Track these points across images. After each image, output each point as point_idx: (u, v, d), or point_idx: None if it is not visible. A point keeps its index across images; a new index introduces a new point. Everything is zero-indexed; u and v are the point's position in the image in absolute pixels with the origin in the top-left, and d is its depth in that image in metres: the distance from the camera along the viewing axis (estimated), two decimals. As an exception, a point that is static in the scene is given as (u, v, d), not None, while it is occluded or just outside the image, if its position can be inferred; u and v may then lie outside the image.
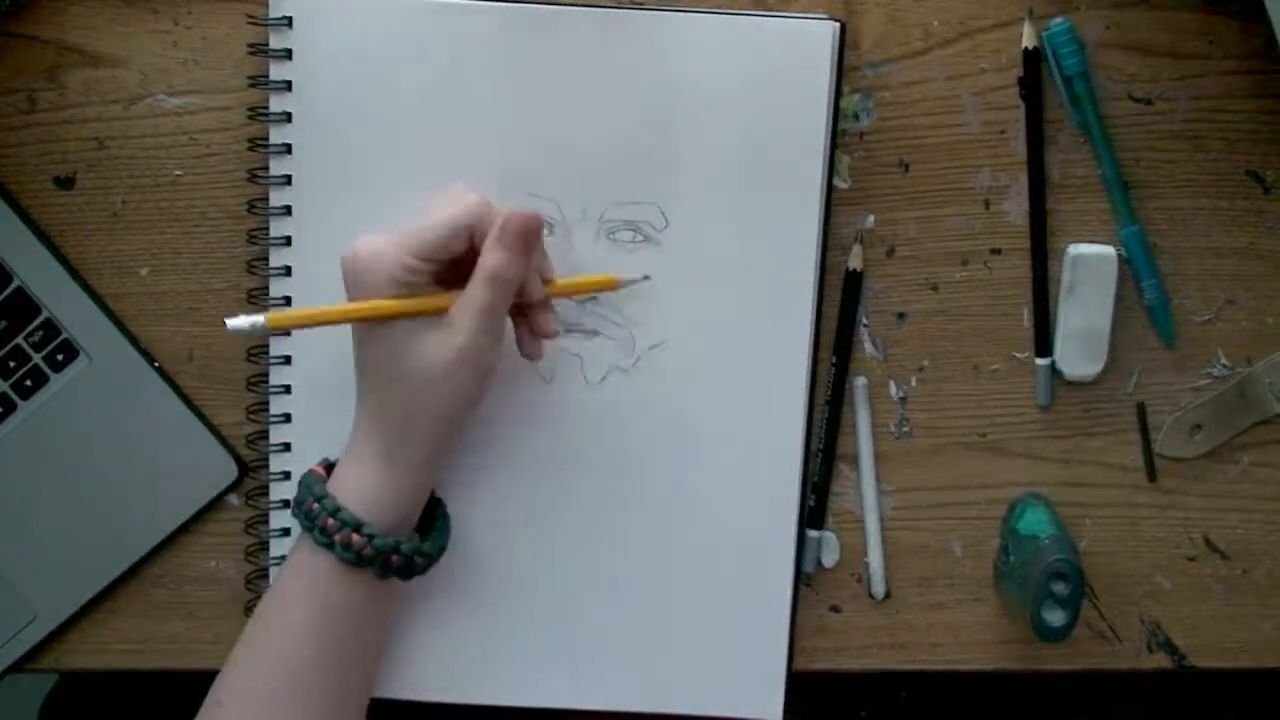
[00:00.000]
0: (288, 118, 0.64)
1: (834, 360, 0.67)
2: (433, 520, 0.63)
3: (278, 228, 0.64)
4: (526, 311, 0.61)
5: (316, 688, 0.59)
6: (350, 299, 0.58)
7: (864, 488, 0.68)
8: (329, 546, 0.57)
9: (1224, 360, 0.67)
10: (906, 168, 0.66)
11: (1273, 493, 0.68)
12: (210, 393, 0.67)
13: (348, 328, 0.59)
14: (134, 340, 0.66)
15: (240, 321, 0.54)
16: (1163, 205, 0.66)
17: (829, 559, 0.68)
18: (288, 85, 0.63)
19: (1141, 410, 0.68)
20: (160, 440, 0.66)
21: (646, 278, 0.64)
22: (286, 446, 0.66)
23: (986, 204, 0.66)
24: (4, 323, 0.65)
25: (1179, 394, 0.68)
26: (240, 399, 0.67)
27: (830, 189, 0.65)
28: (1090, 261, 0.65)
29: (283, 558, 0.66)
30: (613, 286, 0.63)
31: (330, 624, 0.59)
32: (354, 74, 0.63)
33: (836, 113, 0.64)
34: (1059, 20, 0.64)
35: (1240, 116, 0.66)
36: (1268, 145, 0.66)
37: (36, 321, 0.65)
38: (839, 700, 0.93)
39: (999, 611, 0.69)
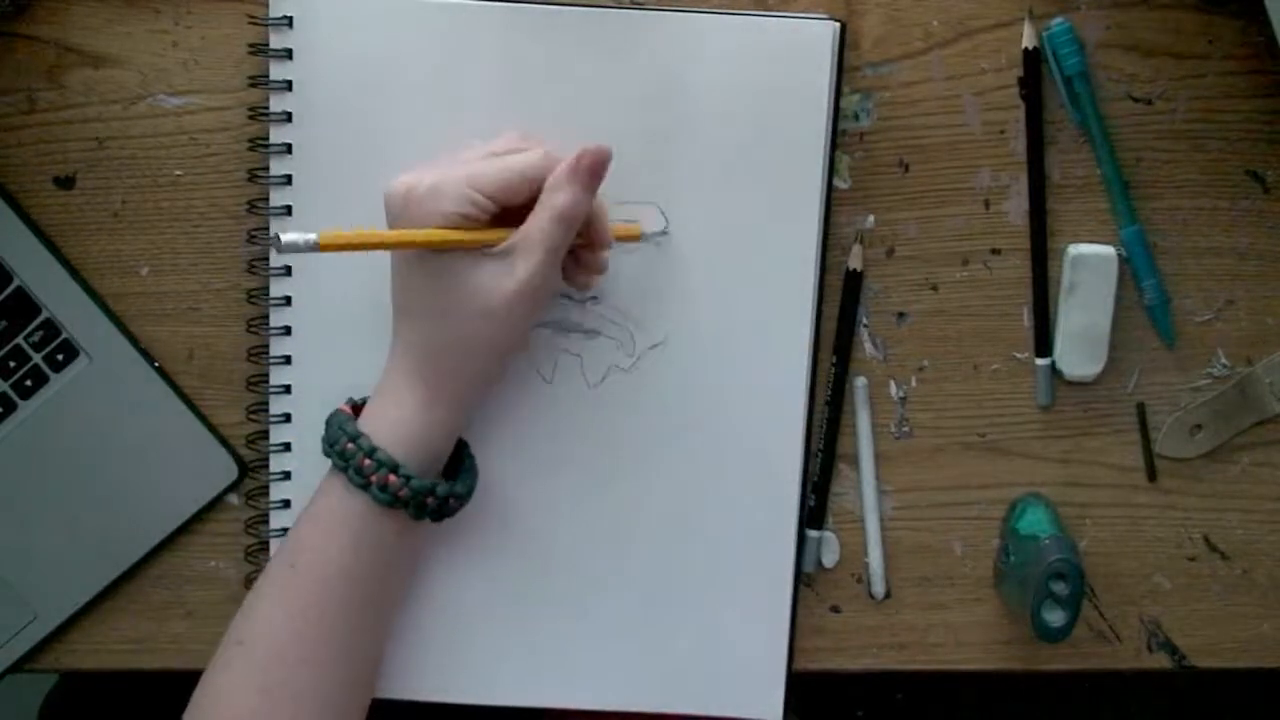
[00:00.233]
0: (288, 118, 0.64)
1: (834, 360, 0.67)
2: (460, 461, 0.63)
3: (278, 227, 0.64)
4: (578, 251, 0.61)
5: (341, 629, 0.59)
6: (395, 229, 0.57)
7: (864, 488, 0.68)
8: (364, 487, 0.57)
9: (1224, 360, 0.67)
10: (906, 168, 0.66)
11: (1273, 493, 0.68)
12: (210, 393, 0.67)
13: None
14: (134, 340, 0.66)
15: (293, 236, 0.53)
16: (1163, 205, 0.66)
17: (829, 559, 0.68)
18: (288, 85, 0.63)
19: (1141, 410, 0.68)
20: (160, 440, 0.66)
21: (665, 232, 0.63)
22: (286, 446, 0.66)
23: (986, 204, 0.66)
24: (4, 323, 0.65)
25: (1179, 394, 0.68)
26: (240, 399, 0.67)
27: (830, 189, 0.65)
28: (1090, 261, 0.65)
29: (283, 558, 0.66)
30: (635, 236, 0.63)
31: (360, 565, 0.59)
32: (354, 74, 0.63)
33: (836, 113, 0.64)
34: (1059, 20, 0.64)
35: (1240, 116, 0.66)
36: (1268, 145, 0.66)
37: (36, 321, 0.65)
38: (837, 700, 0.93)
39: (999, 611, 0.69)
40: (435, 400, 0.59)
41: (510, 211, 0.58)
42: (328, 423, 0.60)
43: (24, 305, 0.65)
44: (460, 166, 0.58)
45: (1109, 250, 0.65)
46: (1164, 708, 0.93)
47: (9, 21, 0.64)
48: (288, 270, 0.65)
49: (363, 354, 0.64)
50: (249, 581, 0.67)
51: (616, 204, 0.63)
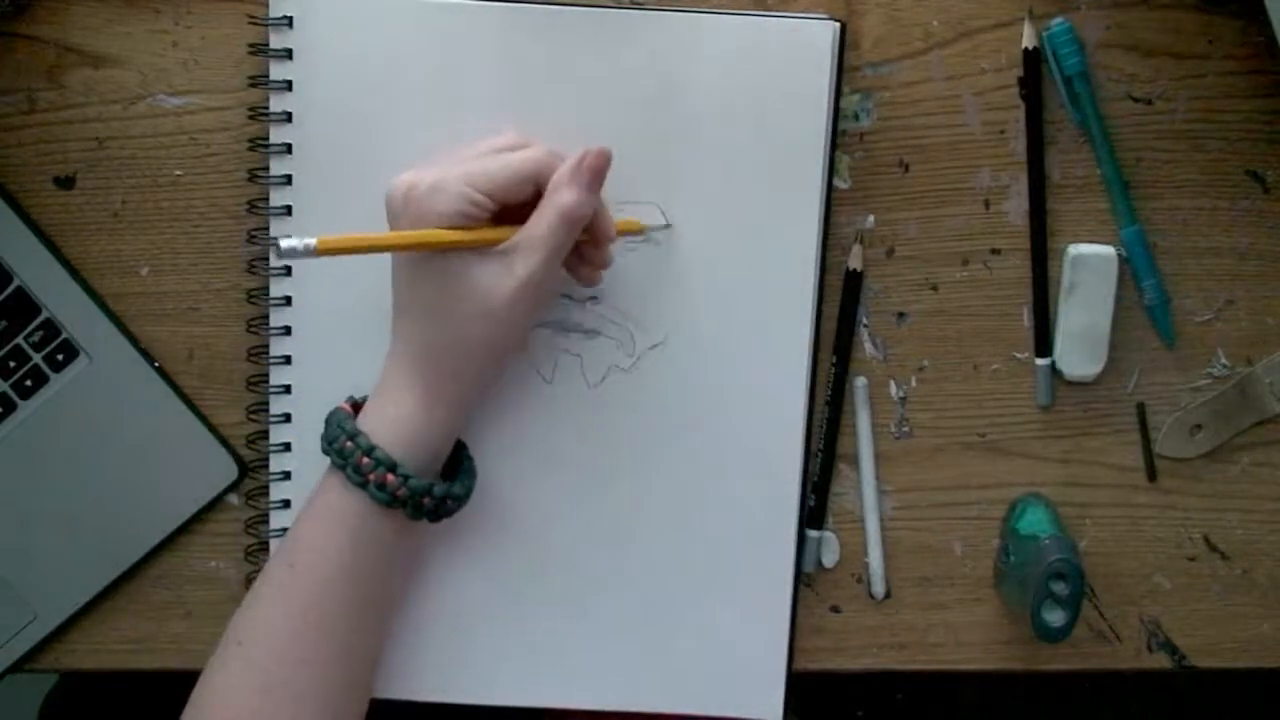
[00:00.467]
0: (288, 118, 0.64)
1: (834, 360, 0.67)
2: (459, 462, 0.63)
3: (278, 227, 0.64)
4: (581, 247, 0.61)
5: (340, 629, 0.59)
6: (395, 229, 0.58)
7: (864, 488, 0.68)
8: (362, 486, 0.57)
9: (1224, 360, 0.67)
10: (906, 168, 0.66)
11: (1273, 493, 0.68)
12: (210, 393, 0.67)
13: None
14: (134, 340, 0.66)
15: (292, 241, 0.53)
16: (1163, 205, 0.66)
17: (829, 559, 0.68)
18: (288, 85, 0.63)
19: (1141, 410, 0.68)
20: (160, 440, 0.66)
21: (668, 225, 0.63)
22: (286, 446, 0.66)
23: (986, 204, 0.66)
24: (4, 323, 0.65)
25: (1179, 394, 0.68)
26: (240, 399, 0.67)
27: (830, 189, 0.65)
28: (1090, 261, 0.65)
29: (283, 558, 0.66)
30: (637, 230, 0.63)
31: (358, 564, 0.59)
32: (354, 74, 0.63)
33: (836, 113, 0.64)
34: (1059, 20, 0.64)
35: (1240, 116, 0.66)
36: (1268, 145, 0.66)
37: (36, 321, 0.65)
38: (837, 700, 0.93)
39: (999, 611, 0.69)
40: (434, 400, 0.59)
41: (510, 210, 0.58)
42: (327, 421, 0.60)
43: (24, 305, 0.65)
44: (460, 165, 0.58)
45: (1109, 250, 0.65)
46: (1164, 708, 0.93)
47: (9, 21, 0.64)
48: (288, 270, 0.65)
49: (363, 354, 0.64)
50: (249, 581, 0.67)
51: (616, 204, 0.63)
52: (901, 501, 0.68)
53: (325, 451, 0.59)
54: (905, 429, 0.68)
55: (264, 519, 0.67)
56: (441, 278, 0.57)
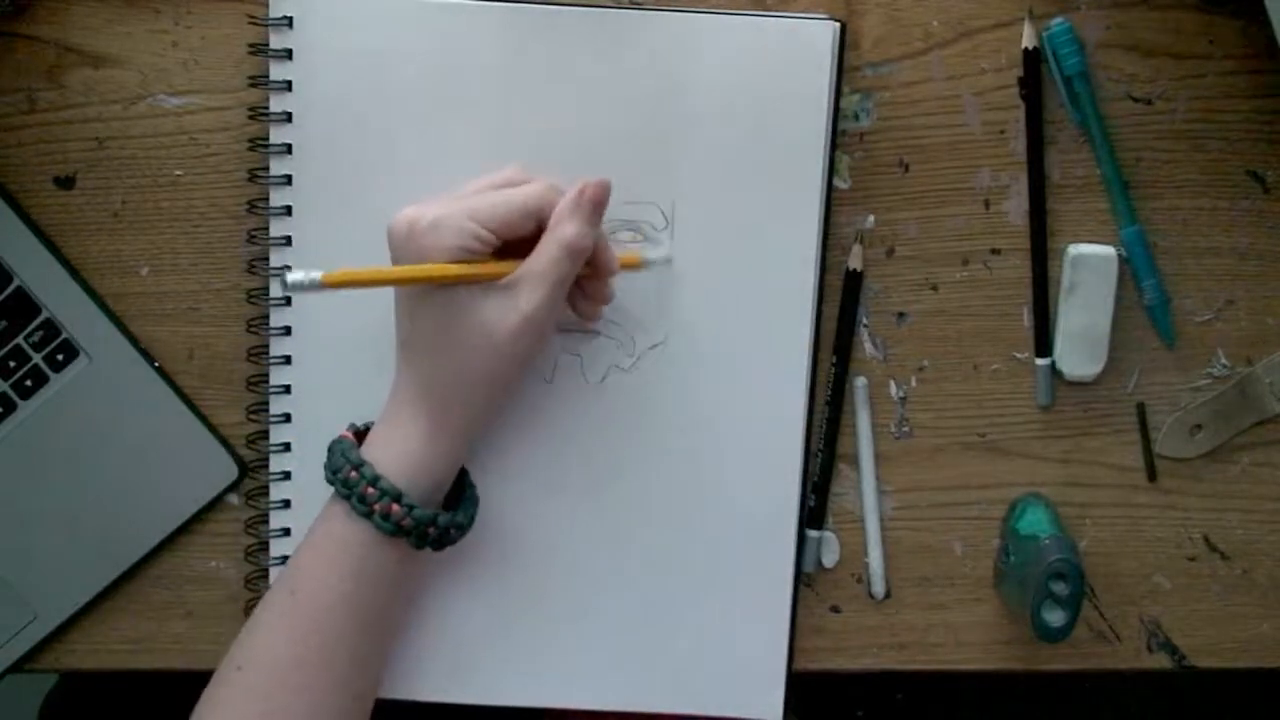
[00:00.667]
0: (288, 118, 0.64)
1: (834, 360, 0.67)
2: (461, 490, 0.63)
3: (278, 228, 0.64)
4: (583, 281, 0.61)
5: (341, 656, 0.59)
6: (397, 264, 0.58)
7: (864, 488, 0.68)
8: (367, 515, 0.58)
9: (1224, 360, 0.67)
10: (906, 168, 0.66)
11: (1273, 493, 0.68)
12: (210, 393, 0.67)
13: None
14: (134, 340, 0.66)
15: (298, 275, 0.53)
16: (1163, 205, 0.66)
17: (829, 559, 0.68)
18: (288, 85, 0.63)
19: (1141, 410, 0.68)
20: (160, 440, 0.66)
21: (669, 260, 0.64)
22: (286, 446, 0.66)
23: (986, 204, 0.66)
24: (4, 323, 0.65)
25: (1179, 394, 0.68)
26: (240, 399, 0.67)
27: (830, 189, 0.65)
28: (1090, 261, 0.65)
29: (283, 558, 0.66)
30: (638, 264, 0.63)
31: (360, 593, 0.59)
32: (354, 74, 0.63)
33: (836, 113, 0.64)
34: (1059, 20, 0.64)
35: (1240, 116, 0.66)
36: (1268, 145, 0.66)
37: (36, 321, 0.65)
38: (837, 700, 0.93)
39: (999, 611, 0.69)
40: (439, 431, 0.59)
41: (511, 245, 0.58)
42: (330, 449, 0.60)
43: (24, 305, 0.65)
44: (461, 200, 0.58)
45: (1109, 250, 0.65)
46: (1164, 708, 0.93)
47: (9, 21, 0.64)
48: (288, 270, 0.65)
49: (363, 354, 0.64)
50: (249, 582, 0.67)
51: (616, 204, 0.63)
52: (901, 501, 0.68)
53: (330, 480, 0.59)
54: (905, 429, 0.68)
55: (264, 519, 0.67)
56: (445, 311, 0.58)
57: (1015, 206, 0.66)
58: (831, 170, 0.65)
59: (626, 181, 0.63)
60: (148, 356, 0.66)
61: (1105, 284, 0.66)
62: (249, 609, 0.67)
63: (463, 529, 0.61)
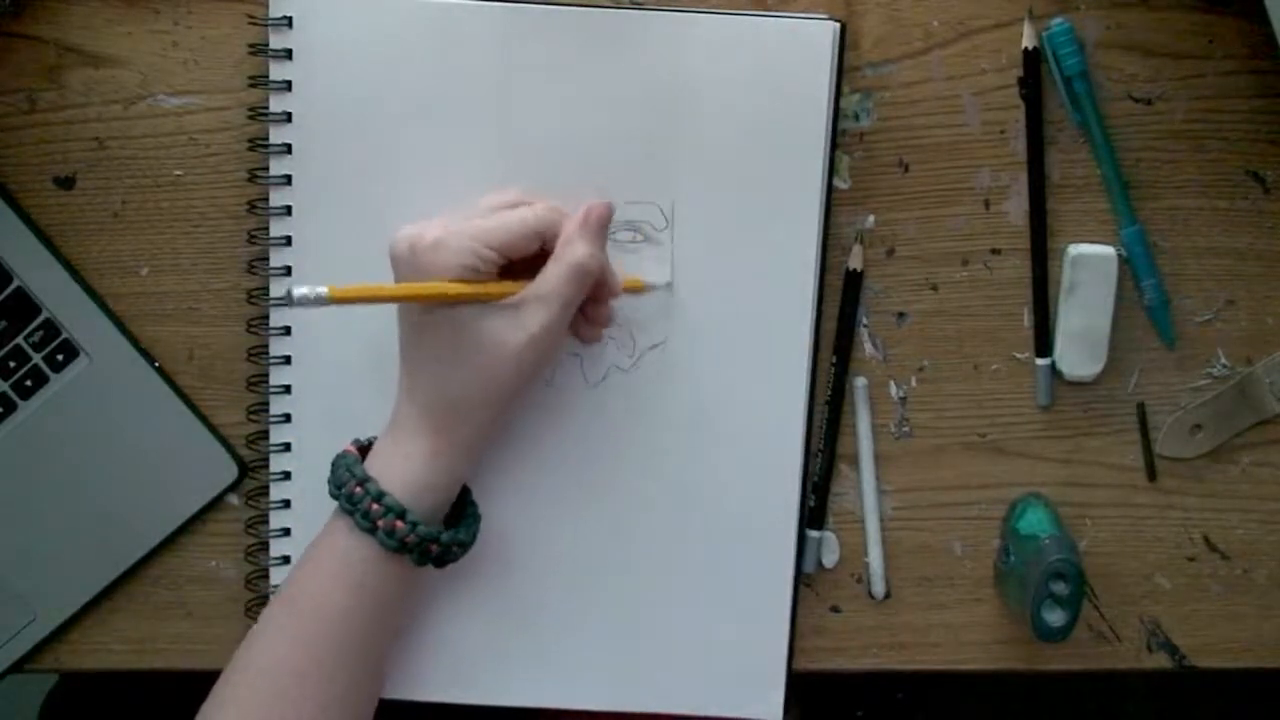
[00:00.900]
0: (288, 118, 0.64)
1: (834, 360, 0.67)
2: (463, 508, 0.63)
3: (278, 228, 0.64)
4: (585, 304, 0.61)
5: (341, 670, 0.59)
6: (401, 282, 0.58)
7: (864, 488, 0.68)
8: (371, 531, 0.58)
9: (1224, 360, 0.67)
10: (906, 168, 0.66)
11: (1273, 493, 0.68)
12: (210, 393, 0.67)
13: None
14: (134, 340, 0.66)
15: (303, 289, 0.53)
16: (1163, 205, 0.66)
17: (829, 559, 0.68)
18: (288, 85, 0.63)
19: (1141, 410, 0.68)
20: (160, 440, 0.66)
21: (670, 284, 0.64)
22: (286, 446, 0.66)
23: (986, 204, 0.66)
24: (4, 323, 0.65)
25: (1179, 394, 0.68)
26: (240, 399, 0.67)
27: (830, 189, 0.65)
28: (1090, 261, 0.65)
29: (284, 558, 0.66)
30: (640, 288, 0.63)
31: (362, 607, 0.59)
32: (354, 74, 0.63)
33: (836, 113, 0.64)
34: (1059, 20, 0.64)
35: (1240, 116, 0.66)
36: (1268, 145, 0.66)
37: (36, 321, 0.65)
38: (837, 700, 0.93)
39: (999, 611, 0.69)
40: (442, 450, 0.59)
41: (514, 266, 0.58)
42: (334, 464, 0.60)
43: (24, 305, 0.65)
44: (465, 220, 0.58)
45: (1109, 250, 0.65)
46: (1164, 708, 0.93)
47: (9, 21, 0.64)
48: (288, 270, 0.65)
49: (363, 355, 0.64)
50: (249, 582, 0.67)
51: (617, 205, 0.63)
52: (901, 501, 0.68)
53: (334, 495, 0.59)
54: (905, 429, 0.68)
55: (264, 519, 0.67)
56: (450, 330, 0.58)
57: (1015, 206, 0.66)
58: (831, 170, 0.65)
59: (626, 181, 0.63)
60: (147, 356, 0.66)
61: (1105, 284, 0.66)
62: (249, 609, 0.67)
63: (465, 547, 0.61)
